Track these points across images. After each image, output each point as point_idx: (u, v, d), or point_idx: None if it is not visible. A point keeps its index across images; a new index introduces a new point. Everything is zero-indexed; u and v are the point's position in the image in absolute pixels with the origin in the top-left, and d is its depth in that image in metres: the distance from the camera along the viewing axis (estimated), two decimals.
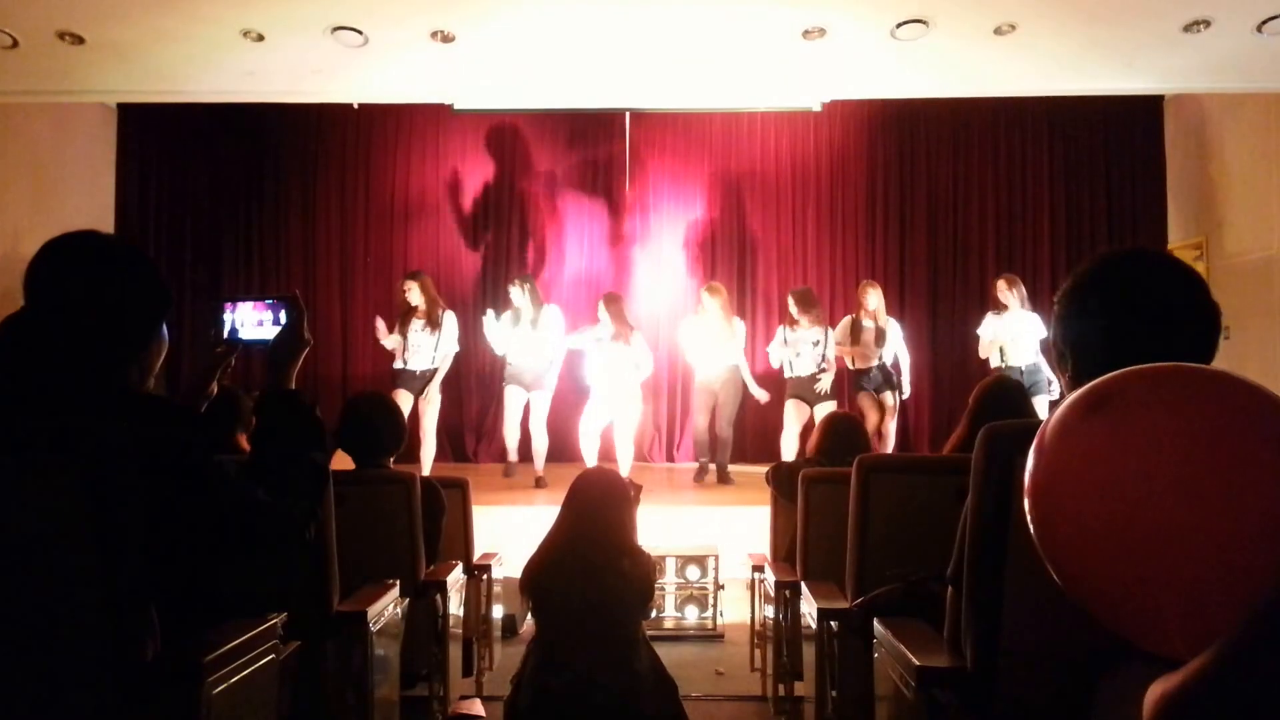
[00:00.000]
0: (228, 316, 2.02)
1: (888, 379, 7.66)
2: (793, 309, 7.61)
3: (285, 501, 1.80)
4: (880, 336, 7.61)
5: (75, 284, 1.72)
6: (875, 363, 7.62)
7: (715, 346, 7.65)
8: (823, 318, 7.67)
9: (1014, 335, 7.55)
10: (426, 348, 7.31)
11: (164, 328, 1.84)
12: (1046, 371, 7.42)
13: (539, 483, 7.35)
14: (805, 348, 7.51)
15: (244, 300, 2.04)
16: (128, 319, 1.76)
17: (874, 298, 7.67)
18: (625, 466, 7.32)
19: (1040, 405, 7.14)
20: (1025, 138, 9.34)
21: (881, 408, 7.61)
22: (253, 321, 2.02)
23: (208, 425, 2.02)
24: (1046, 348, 7.54)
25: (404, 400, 7.13)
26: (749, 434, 9.03)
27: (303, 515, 1.86)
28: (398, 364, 7.38)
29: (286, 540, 1.82)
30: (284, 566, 2.24)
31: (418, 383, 7.32)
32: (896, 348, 7.73)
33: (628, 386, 7.42)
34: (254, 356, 2.07)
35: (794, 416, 7.52)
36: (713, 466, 7.88)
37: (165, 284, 1.83)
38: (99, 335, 1.71)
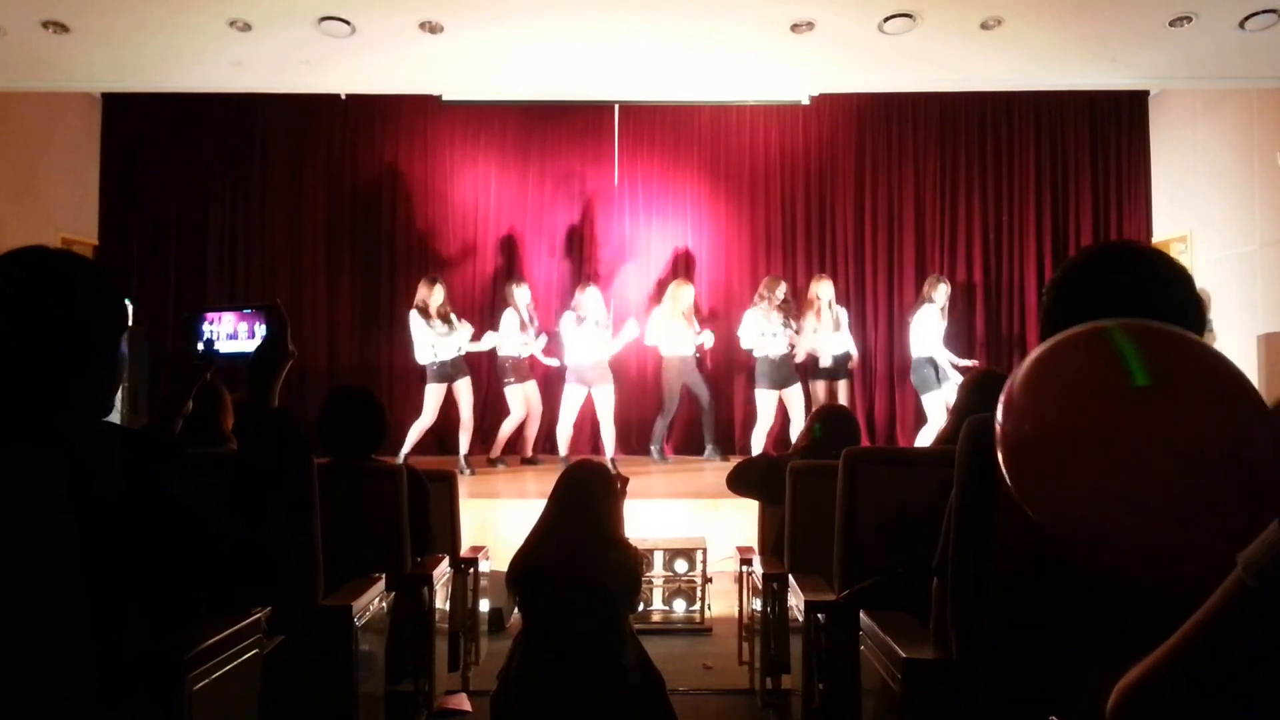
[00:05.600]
0: (205, 328, 1.84)
1: (842, 366, 8.08)
2: (772, 294, 7.91)
3: (261, 534, 1.67)
4: (838, 325, 8.05)
5: (24, 304, 1.60)
6: (836, 351, 8.03)
7: (679, 339, 8.06)
8: (792, 308, 8.01)
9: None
10: (452, 341, 7.74)
11: (123, 346, 1.71)
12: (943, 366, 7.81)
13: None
14: (778, 330, 7.84)
15: (222, 310, 1.85)
16: (82, 338, 1.63)
17: (828, 288, 8.03)
18: (609, 447, 7.73)
19: (933, 401, 7.69)
20: (1012, 132, 9.35)
21: (834, 396, 8.02)
22: (230, 334, 1.83)
23: (178, 451, 1.91)
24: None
25: (437, 392, 7.72)
26: (732, 427, 9.03)
27: (279, 548, 1.75)
28: (428, 360, 7.71)
29: (259, 577, 1.68)
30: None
31: (450, 372, 7.75)
32: (844, 333, 8.16)
33: (606, 369, 7.85)
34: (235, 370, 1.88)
35: (768, 406, 7.87)
36: (709, 446, 8.33)
37: (122, 300, 1.71)
38: (52, 357, 1.60)
